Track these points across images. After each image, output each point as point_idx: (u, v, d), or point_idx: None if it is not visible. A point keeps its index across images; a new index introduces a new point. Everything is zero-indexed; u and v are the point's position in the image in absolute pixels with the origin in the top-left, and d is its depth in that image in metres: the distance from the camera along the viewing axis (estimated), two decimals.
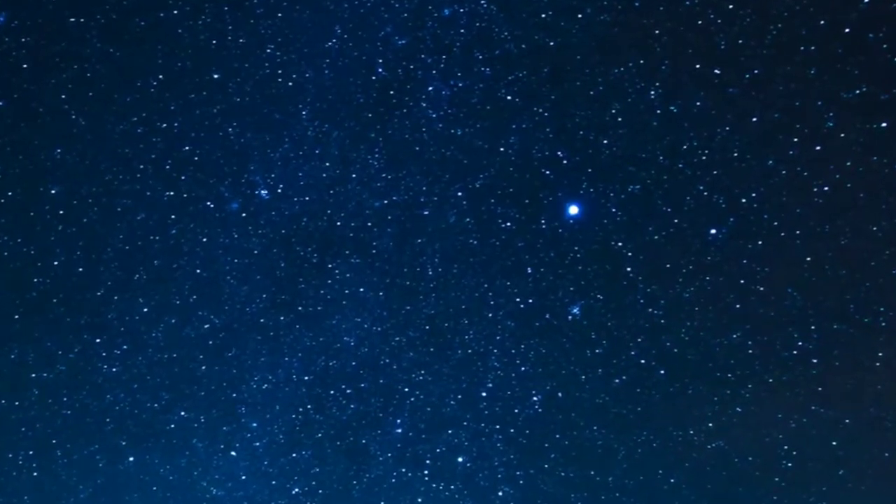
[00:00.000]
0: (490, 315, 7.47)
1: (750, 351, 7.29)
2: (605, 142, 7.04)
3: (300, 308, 7.55)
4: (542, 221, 7.26)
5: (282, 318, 7.59)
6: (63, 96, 7.13)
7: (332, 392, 7.66)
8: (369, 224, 7.35)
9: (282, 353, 7.65)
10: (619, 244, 7.24)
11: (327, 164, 7.31)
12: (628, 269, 7.26)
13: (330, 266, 7.46)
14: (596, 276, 7.34)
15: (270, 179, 7.34)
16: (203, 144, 7.29)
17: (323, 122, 7.24)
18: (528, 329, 7.46)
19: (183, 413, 7.73)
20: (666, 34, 6.70)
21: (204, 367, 7.69)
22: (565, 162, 7.13)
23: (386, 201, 7.28)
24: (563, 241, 7.26)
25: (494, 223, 7.30)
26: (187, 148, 7.32)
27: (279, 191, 7.34)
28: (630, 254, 7.23)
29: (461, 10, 6.82)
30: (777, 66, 6.67)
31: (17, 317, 7.46)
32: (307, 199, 7.36)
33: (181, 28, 7.08)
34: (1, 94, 7.02)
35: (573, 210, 7.15)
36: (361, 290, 7.46)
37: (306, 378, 7.65)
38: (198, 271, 7.55)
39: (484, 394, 7.57)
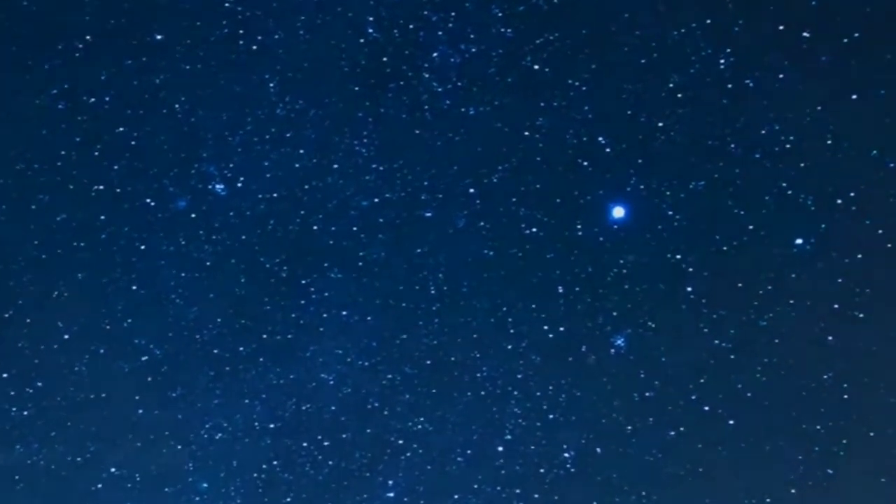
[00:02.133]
0: (509, 347, 6.80)
1: (845, 396, 6.58)
2: (661, 125, 6.41)
3: (265, 336, 6.85)
4: (578, 227, 6.65)
5: (241, 348, 6.88)
6: None
7: (304, 444, 6.91)
8: (355, 229, 6.74)
9: (241, 394, 6.92)
10: (678, 257, 6.58)
11: (301, 151, 6.66)
12: (688, 288, 6.59)
13: (304, 282, 6.81)
14: (647, 298, 6.68)
15: (228, 170, 6.69)
16: (142, 125, 6.59)
17: (296, 96, 6.60)
18: (558, 365, 6.80)
19: (113, 469, 6.89)
20: None
21: (141, 411, 6.87)
22: (608, 150, 6.52)
23: (377, 199, 6.69)
24: (605, 252, 6.65)
25: (516, 229, 6.68)
26: (122, 129, 6.58)
27: (239, 185, 6.70)
28: (691, 269, 6.56)
29: None
30: (883, 29, 6.12)
31: None
32: (275, 195, 6.71)
33: None
34: None
35: (618, 213, 6.58)
36: (344, 313, 6.83)
37: (272, 426, 6.92)
38: (134, 287, 6.79)
39: (501, 448, 6.88)
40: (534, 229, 6.67)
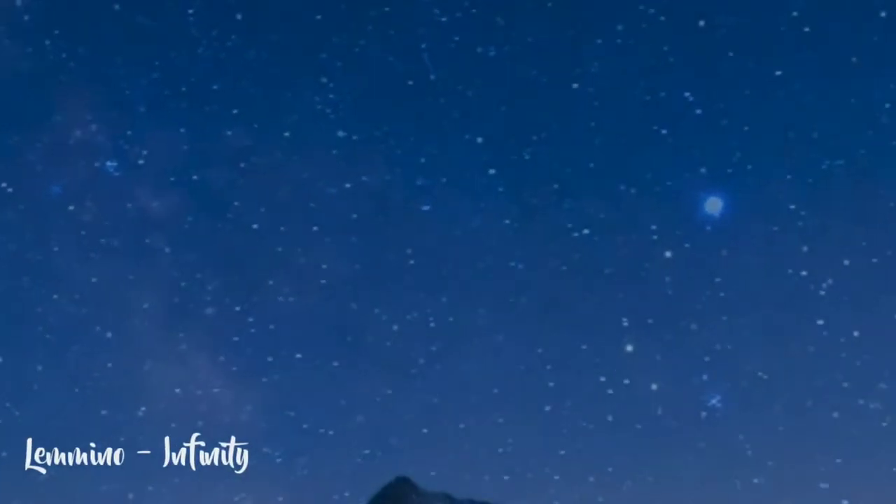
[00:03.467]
0: (548, 409, 5.76)
1: None
2: (778, 74, 5.53)
3: (178, 390, 5.83)
4: (653, 228, 5.77)
5: (143, 408, 5.85)
6: None
7: None
8: (315, 229, 5.91)
9: (143, 475, 5.72)
10: (803, 274, 5.65)
11: (235, 111, 5.87)
12: (819, 321, 5.49)
13: (238, 309, 5.94)
14: (755, 336, 5.69)
15: (125, 140, 5.88)
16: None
17: (228, 29, 5.58)
18: (621, 435, 5.62)
19: None
20: None
21: None
22: (699, 112, 5.49)
23: (348, 185, 5.82)
24: (694, 265, 5.73)
25: (559, 230, 5.80)
26: None
27: (141, 162, 5.85)
28: (823, 292, 5.56)
29: None
30: None
31: None
32: (195, 178, 6.00)
33: None
34: None
35: (713, 206, 5.49)
36: (299, 356, 5.85)
37: None
38: None
39: None
40: (585, 231, 5.60)
